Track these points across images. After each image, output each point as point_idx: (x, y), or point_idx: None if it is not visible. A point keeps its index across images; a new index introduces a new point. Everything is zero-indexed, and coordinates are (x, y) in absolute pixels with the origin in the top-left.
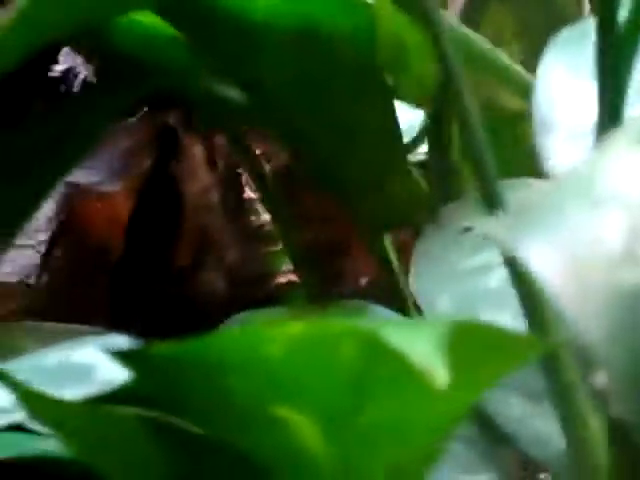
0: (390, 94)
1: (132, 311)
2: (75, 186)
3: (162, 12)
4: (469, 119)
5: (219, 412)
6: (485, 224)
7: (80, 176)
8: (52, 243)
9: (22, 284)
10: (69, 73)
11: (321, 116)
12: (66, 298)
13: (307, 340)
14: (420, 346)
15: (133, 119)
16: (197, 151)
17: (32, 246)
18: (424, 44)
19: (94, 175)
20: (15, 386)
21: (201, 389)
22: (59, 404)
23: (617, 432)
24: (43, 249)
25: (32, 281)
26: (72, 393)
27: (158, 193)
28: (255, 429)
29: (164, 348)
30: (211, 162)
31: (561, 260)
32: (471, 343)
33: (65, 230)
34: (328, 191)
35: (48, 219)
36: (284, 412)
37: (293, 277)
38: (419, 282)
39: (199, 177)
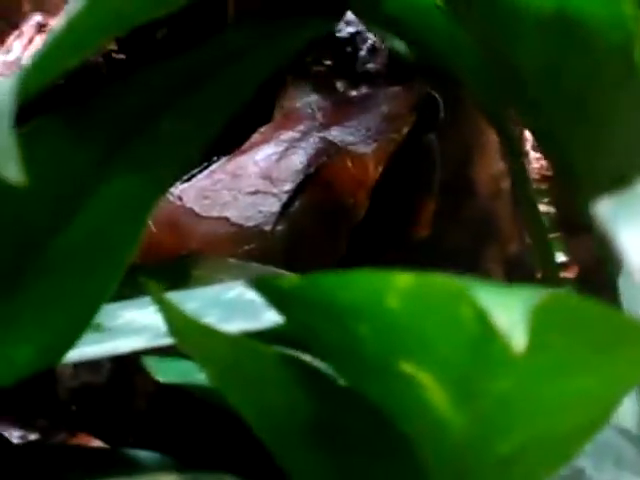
0: None
1: None
2: (329, 143)
3: None
4: None
5: (353, 360)
6: (608, 204)
7: (336, 134)
8: (296, 194)
9: (259, 229)
10: (357, 36)
11: (572, 107)
12: (299, 250)
13: (422, 295)
14: (507, 311)
15: (397, 87)
16: (492, 138)
17: (275, 194)
18: None
19: (350, 135)
20: (169, 310)
21: (336, 334)
22: (205, 333)
23: None
24: (285, 198)
25: (268, 228)
26: (235, 327)
27: (410, 161)
28: (385, 382)
29: (294, 281)
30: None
31: None
32: (561, 314)
33: (311, 183)
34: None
35: (296, 171)
36: (410, 369)
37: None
38: None
39: (492, 164)
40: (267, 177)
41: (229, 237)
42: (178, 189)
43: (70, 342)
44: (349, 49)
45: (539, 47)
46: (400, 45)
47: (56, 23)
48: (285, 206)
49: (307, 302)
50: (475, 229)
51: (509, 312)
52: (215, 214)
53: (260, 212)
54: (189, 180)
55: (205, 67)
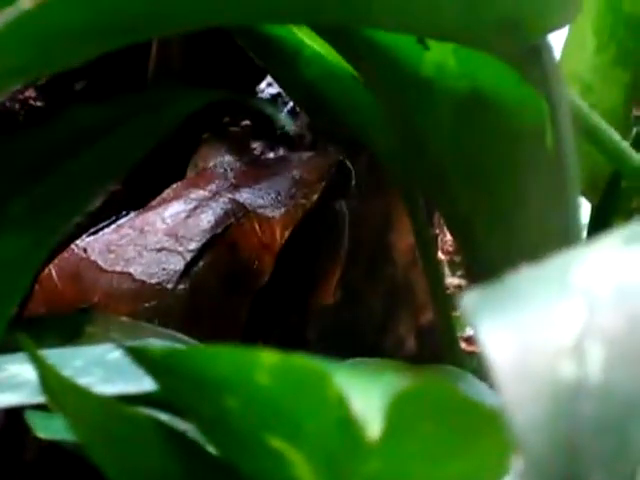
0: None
1: (264, 339)
2: (238, 204)
3: (334, 44)
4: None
5: (224, 432)
6: (474, 295)
7: (246, 196)
8: (200, 254)
9: (161, 286)
10: (278, 98)
11: (481, 187)
12: (201, 309)
13: (290, 372)
14: (366, 396)
15: (309, 152)
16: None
17: (179, 252)
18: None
19: (260, 198)
20: (41, 367)
21: (207, 406)
22: (76, 393)
23: None
24: (189, 257)
25: (170, 286)
26: (114, 389)
27: (318, 228)
28: (256, 455)
29: (160, 351)
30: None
31: (510, 342)
32: (424, 402)
33: (216, 244)
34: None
35: (202, 230)
36: (280, 445)
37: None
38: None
39: (407, 234)
40: (173, 235)
41: (131, 292)
42: (84, 241)
43: None
44: (269, 110)
45: (450, 124)
46: (317, 111)
47: None
48: (188, 265)
49: (176, 373)
50: (390, 296)
51: (367, 398)
52: (119, 269)
53: (164, 270)
54: (96, 233)
55: (86, 134)
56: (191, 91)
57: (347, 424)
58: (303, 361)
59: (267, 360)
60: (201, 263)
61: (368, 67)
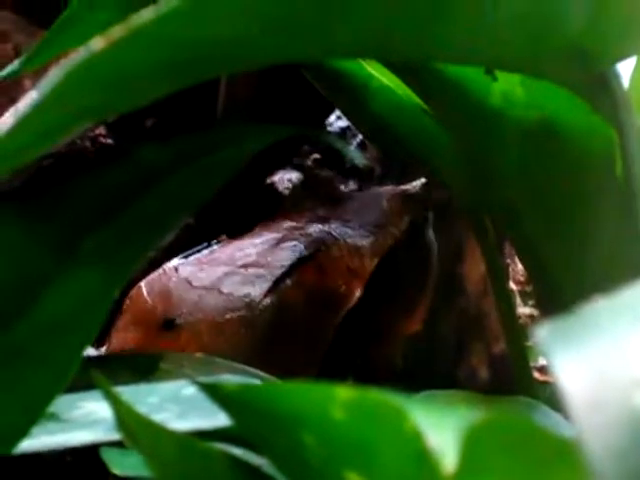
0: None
1: (345, 367)
2: (327, 233)
3: (402, 77)
4: None
5: (299, 466)
6: (547, 326)
7: (335, 226)
8: (288, 272)
9: (248, 299)
10: (347, 130)
11: (551, 216)
12: (286, 325)
13: (365, 407)
14: (440, 431)
15: (398, 187)
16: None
17: (269, 271)
18: None
19: (349, 228)
20: (117, 405)
21: (282, 441)
22: (152, 430)
23: None
24: (278, 274)
25: (257, 298)
26: (190, 425)
27: (405, 257)
28: None
29: (234, 386)
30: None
31: (585, 372)
32: (496, 435)
33: (305, 266)
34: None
35: (292, 254)
36: (356, 478)
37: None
38: None
39: (479, 264)
40: (264, 257)
41: (218, 304)
42: (176, 262)
43: (23, 431)
44: (339, 144)
45: (519, 154)
46: (386, 144)
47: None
48: (276, 282)
49: (250, 409)
50: (462, 326)
51: (442, 432)
52: (207, 285)
53: (251, 284)
54: (188, 257)
55: (164, 167)
56: (259, 128)
57: (423, 458)
58: (378, 395)
59: (342, 395)
60: (288, 281)
61: (437, 99)
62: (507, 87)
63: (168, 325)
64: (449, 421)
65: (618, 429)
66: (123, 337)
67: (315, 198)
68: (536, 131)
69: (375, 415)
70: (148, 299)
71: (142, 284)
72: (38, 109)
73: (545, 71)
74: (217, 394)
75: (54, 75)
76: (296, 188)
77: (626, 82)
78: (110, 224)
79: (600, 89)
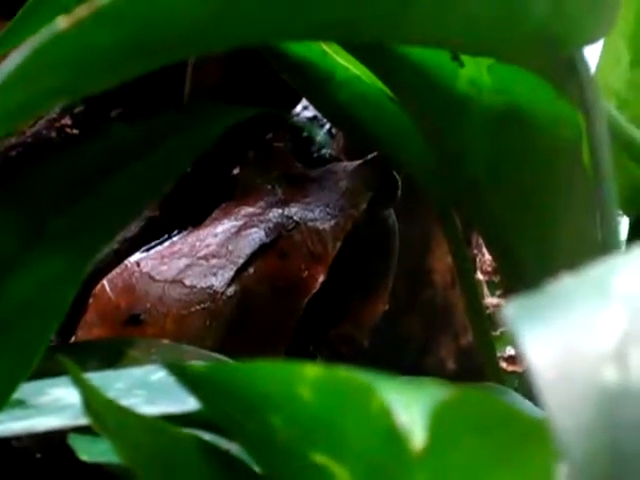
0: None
1: (315, 348)
2: (288, 218)
3: (368, 64)
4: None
5: (268, 449)
6: (515, 303)
7: (296, 210)
8: (250, 260)
9: (211, 290)
10: (314, 121)
11: (518, 204)
12: (251, 314)
13: (333, 386)
14: (409, 408)
15: (355, 162)
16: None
17: (231, 261)
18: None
19: (309, 211)
20: (85, 389)
21: (250, 423)
22: (121, 414)
23: None
24: (240, 263)
25: (220, 289)
26: (158, 409)
27: (367, 238)
28: (299, 472)
29: (202, 367)
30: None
31: (552, 347)
32: (466, 412)
33: (267, 253)
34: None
35: (253, 242)
36: (324, 460)
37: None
38: None
39: (446, 256)
40: (224, 247)
41: (182, 297)
42: (137, 257)
43: None
44: (305, 133)
45: (486, 141)
46: (353, 133)
47: None
48: (238, 271)
49: (219, 390)
50: (430, 318)
51: (410, 410)
52: (170, 278)
53: (214, 275)
54: (149, 250)
55: (123, 153)
56: (226, 108)
57: (392, 436)
58: (346, 374)
59: (310, 374)
60: (251, 270)
61: (403, 86)
62: (474, 73)
63: (133, 321)
64: (418, 399)
65: (586, 404)
66: (88, 334)
67: (271, 177)
68: (503, 118)
69: (343, 393)
70: (112, 295)
71: (105, 281)
72: (2, 89)
73: (512, 55)
74: (185, 376)
75: (18, 54)
76: (250, 164)
77: (593, 67)
78: (76, 206)
79: (567, 73)
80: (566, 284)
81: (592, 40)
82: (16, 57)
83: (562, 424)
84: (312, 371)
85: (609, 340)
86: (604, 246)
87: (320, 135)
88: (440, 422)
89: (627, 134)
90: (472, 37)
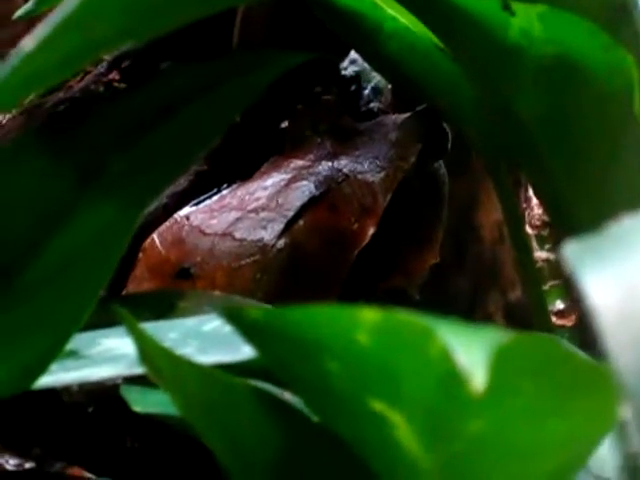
0: None
1: (366, 300)
2: (338, 171)
3: (418, 14)
4: None
5: (324, 396)
6: (574, 244)
7: (345, 163)
8: (300, 213)
9: (261, 242)
10: (361, 75)
11: (571, 154)
12: (301, 267)
13: (392, 330)
14: (469, 351)
15: (404, 115)
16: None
17: (280, 214)
18: None
19: (358, 164)
20: (140, 339)
21: (307, 369)
22: (175, 363)
23: None
24: (290, 216)
25: (270, 242)
26: (211, 359)
27: (418, 189)
28: (355, 419)
29: (257, 312)
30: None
31: (614, 287)
32: (525, 356)
33: (316, 206)
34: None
35: (302, 195)
36: (380, 407)
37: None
38: None
39: (496, 209)
40: (274, 200)
41: (232, 250)
42: (187, 211)
43: (42, 367)
44: (353, 87)
45: (538, 92)
46: (402, 86)
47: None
48: (288, 224)
49: (275, 335)
50: (478, 274)
51: (471, 352)
52: (220, 231)
53: (264, 228)
54: (198, 204)
55: (179, 96)
56: (278, 54)
57: (451, 380)
58: (404, 317)
59: (368, 318)
60: (301, 222)
61: (453, 36)
62: (525, 23)
63: (183, 274)
64: (478, 342)
65: None
66: (138, 288)
67: (319, 130)
68: (555, 68)
69: (402, 337)
70: (162, 249)
71: (154, 235)
72: (55, 35)
73: (565, 0)
74: (241, 321)
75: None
76: (299, 118)
77: None
78: (134, 149)
79: (621, 19)
80: (625, 225)
81: None
82: (70, 2)
83: (624, 364)
84: (370, 315)
85: None
86: None
87: (367, 89)
88: (501, 365)
89: None
90: None
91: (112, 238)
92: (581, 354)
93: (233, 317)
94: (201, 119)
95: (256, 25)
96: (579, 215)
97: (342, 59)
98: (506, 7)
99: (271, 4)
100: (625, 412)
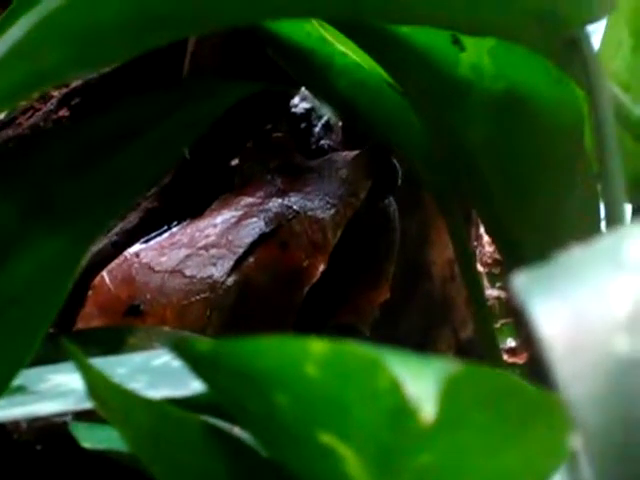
0: (594, 180)
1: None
2: (288, 208)
3: (368, 50)
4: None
5: (273, 429)
6: (524, 275)
7: (295, 200)
8: (250, 250)
9: (211, 279)
10: (312, 112)
11: (520, 188)
12: (251, 304)
13: (340, 361)
14: (419, 381)
15: (355, 152)
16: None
17: (231, 250)
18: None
19: (309, 201)
20: (89, 374)
21: (255, 402)
22: (124, 397)
23: None
24: (240, 253)
25: (221, 279)
26: (160, 394)
27: (368, 227)
28: (305, 453)
29: (206, 344)
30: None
31: (564, 316)
32: (474, 387)
33: (267, 242)
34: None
35: (253, 232)
36: (329, 440)
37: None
38: None
39: (448, 247)
40: (224, 237)
41: (181, 288)
42: (137, 248)
43: None
44: (303, 125)
45: (487, 126)
46: (352, 121)
47: None
48: (238, 261)
49: (224, 367)
50: (429, 311)
51: (420, 383)
52: (170, 268)
53: (214, 265)
54: (148, 241)
55: (128, 128)
56: (229, 83)
57: (400, 412)
58: (353, 348)
59: (316, 349)
60: (251, 259)
61: (403, 72)
62: (475, 58)
63: (133, 311)
64: (427, 373)
65: (598, 374)
66: (88, 326)
67: (270, 167)
68: (504, 102)
69: (350, 369)
70: (111, 286)
71: (104, 273)
72: (3, 62)
73: (514, 34)
74: (189, 353)
75: (19, 28)
76: (249, 155)
77: (596, 45)
78: (81, 182)
79: (570, 52)
80: (576, 254)
81: (594, 19)
82: (17, 31)
83: (575, 394)
84: (318, 346)
85: (621, 309)
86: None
87: (318, 127)
88: (451, 396)
89: (632, 113)
90: (473, 15)
91: (59, 272)
92: (531, 386)
93: (182, 350)
94: (149, 151)
95: (207, 56)
96: (529, 251)
97: (293, 91)
98: (456, 41)
99: (222, 36)
100: (576, 443)
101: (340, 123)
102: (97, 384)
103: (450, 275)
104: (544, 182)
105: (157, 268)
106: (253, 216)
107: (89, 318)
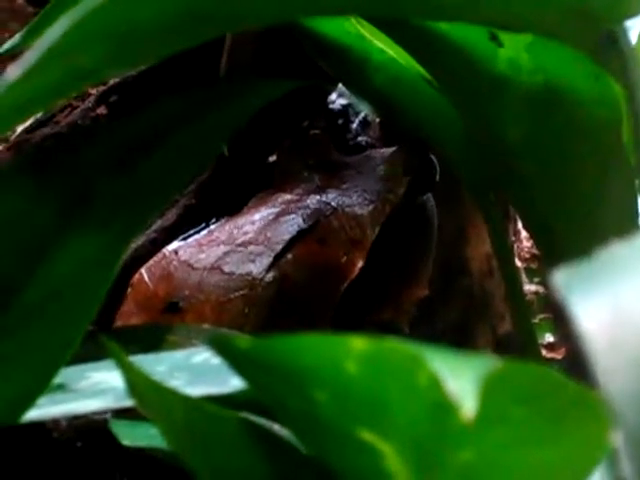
0: (632, 175)
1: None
2: (326, 204)
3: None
4: None
5: (313, 426)
6: (564, 270)
7: (333, 196)
8: (289, 246)
9: (250, 276)
10: (349, 108)
11: (558, 184)
12: (290, 300)
13: (380, 358)
14: (459, 378)
15: (393, 148)
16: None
17: (269, 247)
18: None
19: (347, 197)
20: (129, 371)
21: (295, 400)
22: (164, 395)
23: None
24: (278, 249)
25: (259, 276)
26: (199, 391)
27: (406, 223)
28: (345, 450)
29: (246, 342)
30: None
31: (603, 312)
32: (514, 383)
33: (305, 239)
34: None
35: (291, 228)
36: (369, 437)
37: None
38: None
39: (485, 242)
40: (263, 234)
41: (220, 285)
42: (175, 245)
43: (30, 400)
44: (341, 121)
45: (525, 122)
46: (389, 118)
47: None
48: (277, 257)
49: (263, 365)
50: (467, 307)
51: (461, 380)
52: (208, 266)
53: (252, 262)
54: (187, 238)
55: (165, 126)
56: (265, 82)
57: (440, 409)
58: (393, 345)
59: (356, 346)
60: (289, 256)
61: (441, 67)
62: (513, 53)
63: (172, 308)
64: (467, 369)
65: (638, 369)
66: (127, 323)
67: (308, 164)
68: (542, 97)
69: (391, 366)
70: (150, 284)
71: (143, 270)
72: (40, 65)
73: (552, 30)
74: (229, 351)
75: (55, 29)
76: (287, 152)
77: (634, 40)
78: (120, 180)
79: (608, 48)
80: (615, 250)
81: (632, 14)
82: (56, 30)
83: (614, 390)
84: (359, 343)
85: None
86: None
87: (355, 123)
88: (491, 393)
89: None
90: (511, 11)
91: (100, 269)
92: (571, 381)
93: (221, 348)
94: (187, 149)
95: (244, 53)
96: (568, 246)
97: (330, 88)
98: (494, 37)
99: (259, 33)
100: (616, 439)
101: (377, 119)
102: (137, 382)
103: (488, 270)
104: (582, 177)
105: (196, 265)
106: (291, 213)
107: (128, 315)
